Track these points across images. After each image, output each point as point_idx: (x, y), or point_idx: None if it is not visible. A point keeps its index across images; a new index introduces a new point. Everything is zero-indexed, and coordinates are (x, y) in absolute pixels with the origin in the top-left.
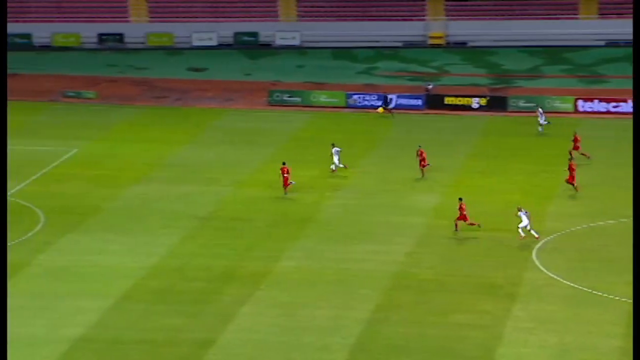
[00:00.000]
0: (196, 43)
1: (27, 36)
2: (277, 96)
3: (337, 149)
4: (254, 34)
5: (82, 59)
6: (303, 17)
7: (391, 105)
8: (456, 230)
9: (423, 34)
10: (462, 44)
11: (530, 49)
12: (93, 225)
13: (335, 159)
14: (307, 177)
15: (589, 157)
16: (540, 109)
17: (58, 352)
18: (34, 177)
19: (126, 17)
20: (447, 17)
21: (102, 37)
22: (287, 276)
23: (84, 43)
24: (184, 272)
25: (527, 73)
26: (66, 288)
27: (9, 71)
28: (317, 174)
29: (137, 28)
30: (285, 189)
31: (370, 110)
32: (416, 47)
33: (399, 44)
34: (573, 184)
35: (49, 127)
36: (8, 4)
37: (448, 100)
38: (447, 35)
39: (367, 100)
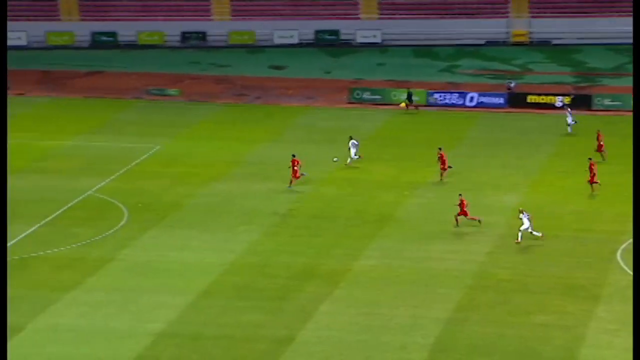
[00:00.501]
0: (277, 41)
1: (113, 34)
2: (358, 94)
3: (355, 141)
4: (335, 32)
5: (165, 56)
6: (384, 15)
7: (414, 99)
8: (457, 225)
9: (506, 32)
10: (546, 41)
11: (616, 46)
12: (174, 222)
13: (352, 152)
14: (386, 175)
15: (604, 159)
16: (569, 109)
17: (141, 346)
18: (117, 174)
19: (209, 16)
20: (530, 15)
21: (185, 35)
22: (365, 275)
23: (167, 41)
24: (264, 269)
25: (612, 71)
26: (148, 283)
27: (95, 68)
28: (396, 173)
29: (219, 26)
30: (292, 181)
31: (450, 109)
32: (499, 44)
33: (481, 42)
34: (596, 183)
35: (133, 124)
36: (95, 3)
37: (531, 99)
38: (530, 33)
39: (447, 98)
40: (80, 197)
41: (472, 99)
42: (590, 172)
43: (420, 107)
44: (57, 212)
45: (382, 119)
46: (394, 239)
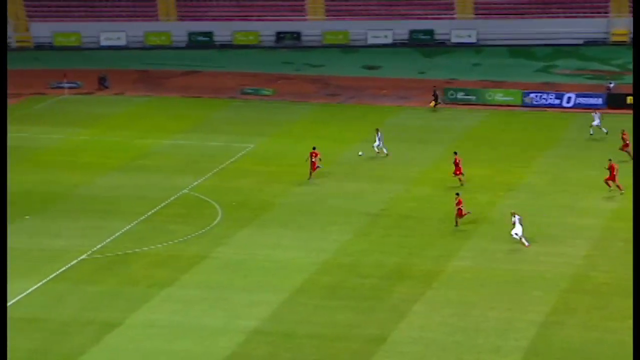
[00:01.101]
0: (371, 41)
1: (209, 34)
2: (452, 94)
3: (381, 134)
4: (430, 32)
5: (260, 56)
6: (480, 14)
7: (439, 100)
8: (456, 226)
9: (605, 31)
10: None
11: None
12: (268, 221)
13: (377, 143)
14: (480, 176)
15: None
16: (596, 112)
17: (234, 343)
18: (212, 172)
19: (304, 16)
20: (631, 14)
21: (280, 35)
22: (459, 275)
23: (262, 41)
24: (356, 268)
25: None
26: (242, 281)
27: (191, 68)
28: (490, 173)
29: (314, 26)
30: (311, 174)
31: (546, 109)
32: (597, 44)
33: (580, 42)
34: (611, 183)
35: (227, 123)
36: (192, 4)
37: (630, 100)
38: (631, 32)
39: (544, 99)
40: (176, 195)
41: (569, 99)
42: (610, 172)
43: (440, 105)
44: (154, 210)
45: (476, 119)
46: (488, 240)
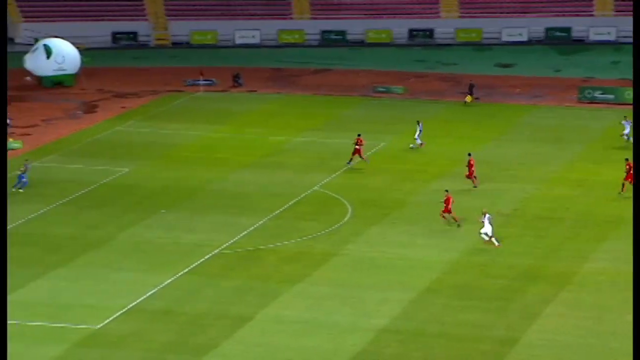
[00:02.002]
0: (505, 39)
1: (342, 33)
2: (588, 93)
3: (420, 127)
4: (567, 30)
5: (392, 54)
6: (620, 11)
7: (474, 94)
8: (443, 221)
9: None
10: None
11: None
12: (398, 219)
13: (417, 135)
14: (614, 177)
15: None
16: (627, 120)
17: (364, 340)
18: (342, 170)
19: (437, 13)
20: None
21: (412, 33)
22: (594, 278)
23: (395, 39)
24: (487, 268)
25: None
26: (372, 279)
27: (323, 66)
28: (624, 175)
29: (447, 24)
30: (352, 158)
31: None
32: None
33: None
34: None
35: (358, 122)
36: (326, 2)
37: None
38: None
39: None
40: (307, 193)
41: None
42: (628, 171)
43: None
44: (285, 207)
45: (612, 119)
46: (624, 242)
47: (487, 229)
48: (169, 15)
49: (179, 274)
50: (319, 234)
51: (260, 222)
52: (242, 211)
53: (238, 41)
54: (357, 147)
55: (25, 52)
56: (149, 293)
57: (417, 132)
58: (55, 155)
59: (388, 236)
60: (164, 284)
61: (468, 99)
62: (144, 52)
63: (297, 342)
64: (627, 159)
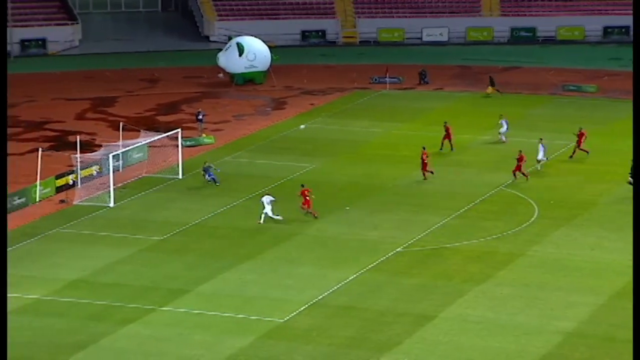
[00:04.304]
0: None
1: (532, 30)
2: None
3: (504, 121)
4: None
5: (584, 52)
6: None
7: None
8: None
9: None
10: None
11: None
12: (587, 220)
13: (503, 129)
14: None
15: None
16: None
17: (550, 343)
18: (529, 169)
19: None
20: None
21: (607, 30)
22: None
23: (588, 36)
24: None
25: None
26: (558, 281)
27: (512, 64)
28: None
29: None
30: (424, 173)
31: None
32: None
33: None
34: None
35: (546, 120)
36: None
37: None
38: None
39: None
40: (492, 192)
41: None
42: None
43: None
44: (469, 205)
45: None
46: None
47: (267, 209)
48: (357, 13)
49: (362, 270)
50: (504, 234)
51: (443, 221)
52: (426, 209)
53: (425, 39)
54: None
55: (220, 50)
56: (333, 288)
57: (504, 128)
58: (245, 150)
59: (576, 238)
60: (347, 280)
61: (489, 90)
62: (332, 50)
63: (480, 342)
64: None
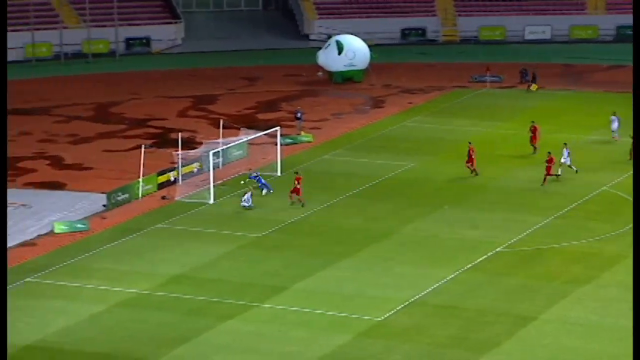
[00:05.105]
0: None
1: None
2: None
3: (616, 117)
4: None
5: None
6: None
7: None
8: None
9: None
10: None
11: None
12: None
13: (614, 126)
14: None
15: None
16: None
17: None
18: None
19: None
20: None
21: None
22: None
23: None
24: None
25: None
26: None
27: (617, 62)
28: None
29: None
30: (470, 169)
31: None
32: None
33: None
34: None
35: None
36: None
37: None
38: None
39: None
40: (596, 192)
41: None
42: None
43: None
44: (572, 206)
45: None
46: None
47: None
48: (458, 11)
49: (461, 269)
50: (608, 235)
51: (545, 221)
52: (527, 209)
53: (528, 37)
54: (535, 134)
55: (319, 48)
56: (431, 287)
57: (614, 125)
58: (343, 148)
59: None
60: (446, 279)
61: (533, 87)
62: (431, 48)
63: (582, 345)
64: None
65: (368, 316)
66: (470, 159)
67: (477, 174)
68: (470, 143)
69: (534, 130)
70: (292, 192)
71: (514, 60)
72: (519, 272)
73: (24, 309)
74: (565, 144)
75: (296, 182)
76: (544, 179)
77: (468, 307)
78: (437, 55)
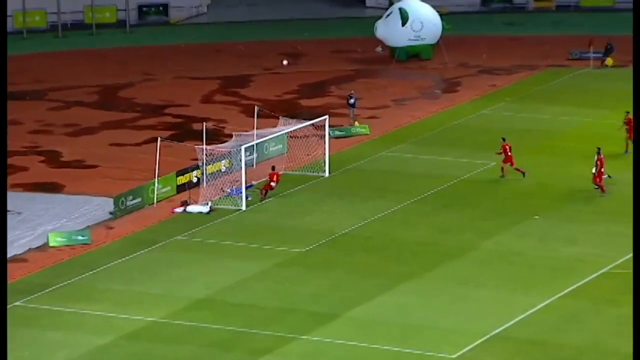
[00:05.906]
0: None
1: None
2: None
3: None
4: None
5: None
6: None
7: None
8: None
9: None
10: None
11: None
12: None
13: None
14: None
15: None
16: None
17: None
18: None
19: None
20: None
21: None
22: None
23: None
24: None
25: None
26: None
27: None
28: None
29: None
30: (502, 168)
31: None
32: None
33: None
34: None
35: None
36: None
37: None
38: None
39: None
40: None
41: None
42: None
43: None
44: None
45: None
46: None
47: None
48: None
49: (556, 295)
50: None
51: None
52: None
53: None
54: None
55: (378, 18)
56: (518, 318)
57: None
58: (407, 143)
59: None
60: (536, 307)
61: (609, 61)
62: (520, 17)
63: None
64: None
65: (438, 353)
66: (507, 157)
67: (524, 175)
68: (504, 140)
69: (628, 122)
70: (265, 187)
71: (625, 32)
72: (629, 300)
73: (13, 339)
74: (598, 148)
75: (270, 179)
76: (598, 186)
77: (564, 343)
78: (526, 26)
